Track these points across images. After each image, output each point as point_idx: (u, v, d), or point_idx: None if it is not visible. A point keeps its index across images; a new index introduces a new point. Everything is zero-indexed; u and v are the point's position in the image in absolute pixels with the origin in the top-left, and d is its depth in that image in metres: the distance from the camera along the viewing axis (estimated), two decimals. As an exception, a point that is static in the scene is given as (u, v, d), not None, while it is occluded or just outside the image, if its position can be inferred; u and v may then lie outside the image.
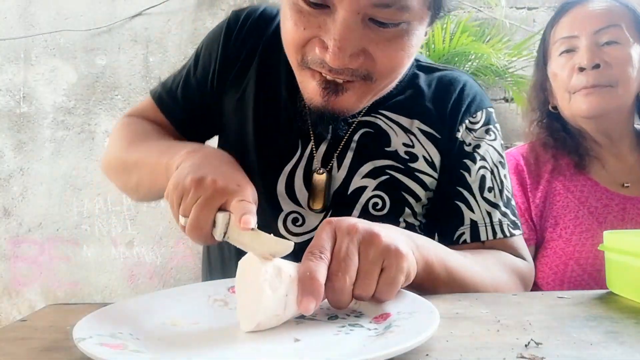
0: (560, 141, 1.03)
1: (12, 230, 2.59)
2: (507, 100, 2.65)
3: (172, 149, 0.68)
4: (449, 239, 0.74)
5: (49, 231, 2.57)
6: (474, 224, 0.73)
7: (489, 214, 0.73)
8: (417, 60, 0.79)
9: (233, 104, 0.78)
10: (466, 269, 0.64)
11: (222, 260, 0.80)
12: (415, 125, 0.75)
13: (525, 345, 0.41)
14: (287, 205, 0.74)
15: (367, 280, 0.48)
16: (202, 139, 0.84)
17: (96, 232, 2.55)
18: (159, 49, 2.61)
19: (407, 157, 0.74)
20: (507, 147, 3.16)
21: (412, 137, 0.74)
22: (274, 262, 0.47)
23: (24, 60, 2.62)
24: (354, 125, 0.75)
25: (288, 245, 0.49)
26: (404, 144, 0.74)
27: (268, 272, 0.46)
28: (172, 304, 0.53)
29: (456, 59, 2.22)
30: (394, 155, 0.74)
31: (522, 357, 0.38)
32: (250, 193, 0.58)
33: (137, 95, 2.61)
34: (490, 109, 0.79)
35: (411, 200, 0.74)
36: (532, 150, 1.06)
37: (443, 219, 0.76)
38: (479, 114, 0.77)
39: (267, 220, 0.73)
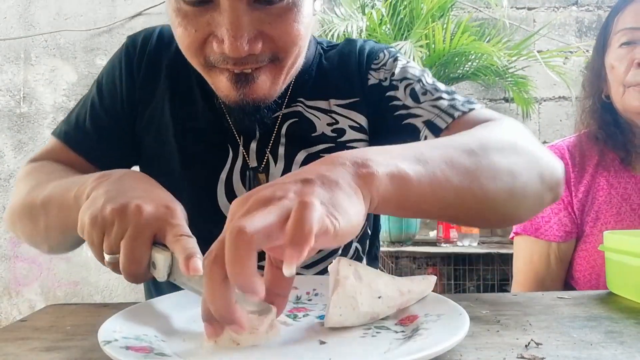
0: (610, 136, 1.00)
1: (12, 230, 2.59)
2: (507, 100, 2.65)
3: (80, 179, 0.60)
4: None
5: (49, 231, 2.57)
6: (428, 123, 0.68)
7: (436, 106, 0.69)
8: (319, 44, 0.81)
9: (148, 128, 0.76)
10: (455, 147, 0.50)
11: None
12: (333, 103, 0.75)
13: (525, 346, 0.41)
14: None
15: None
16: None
17: (96, 232, 2.55)
18: (159, 49, 2.61)
19: (334, 134, 0.74)
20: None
21: (334, 115, 0.75)
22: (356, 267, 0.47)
23: (24, 60, 2.62)
24: (279, 118, 0.75)
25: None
26: (328, 124, 0.74)
27: (350, 273, 0.46)
28: (194, 304, 0.53)
29: (456, 59, 2.23)
30: (323, 138, 0.74)
31: (522, 357, 0.38)
32: (180, 213, 0.52)
33: (137, 95, 2.61)
34: (391, 49, 0.78)
35: None
36: (579, 144, 1.04)
37: (402, 141, 0.67)
38: (380, 55, 0.77)
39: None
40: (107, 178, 0.56)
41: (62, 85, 2.61)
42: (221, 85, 0.64)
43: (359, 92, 0.75)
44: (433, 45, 2.14)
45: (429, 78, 0.74)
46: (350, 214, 0.39)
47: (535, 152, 0.57)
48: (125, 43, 0.78)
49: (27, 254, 2.58)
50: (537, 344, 0.41)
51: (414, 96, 0.71)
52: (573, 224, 0.99)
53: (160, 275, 0.49)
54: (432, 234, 2.51)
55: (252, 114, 0.67)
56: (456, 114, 0.66)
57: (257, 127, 0.73)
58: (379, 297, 0.46)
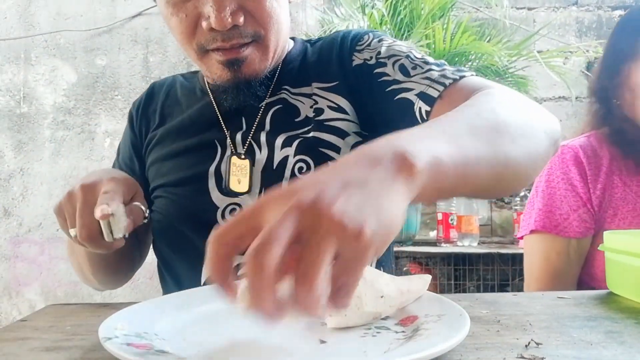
0: (623, 141, 1.00)
1: (12, 230, 2.59)
2: (507, 100, 2.65)
3: None
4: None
5: (49, 231, 2.57)
6: (421, 94, 0.67)
7: (427, 77, 0.69)
8: (308, 42, 0.88)
9: (151, 156, 0.86)
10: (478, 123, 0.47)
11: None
12: (315, 86, 0.79)
13: (525, 346, 0.41)
14: (222, 202, 0.76)
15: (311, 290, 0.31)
16: None
17: (96, 232, 2.55)
18: (159, 49, 2.61)
19: (314, 114, 0.76)
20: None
21: (315, 97, 0.78)
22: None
23: (24, 60, 2.62)
24: (264, 107, 0.79)
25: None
26: (310, 107, 0.77)
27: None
28: (195, 303, 0.53)
29: (456, 59, 2.22)
30: (305, 121, 0.76)
31: (522, 357, 0.38)
32: (108, 182, 0.61)
33: (137, 95, 2.60)
34: (375, 32, 0.80)
35: (332, 153, 0.74)
36: (589, 144, 1.04)
37: (397, 117, 0.70)
38: (365, 37, 0.79)
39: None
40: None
41: (62, 85, 2.61)
42: (214, 67, 0.73)
43: (339, 75, 0.77)
44: (433, 45, 2.14)
45: (417, 53, 0.74)
46: (385, 218, 0.34)
47: (537, 111, 0.57)
48: (129, 109, 0.93)
49: (27, 254, 2.58)
50: (537, 344, 0.41)
51: (404, 71, 0.71)
52: (592, 220, 0.99)
53: (106, 235, 0.59)
54: (432, 234, 2.50)
55: (245, 89, 0.75)
56: (447, 82, 0.66)
57: (244, 118, 0.79)
58: (382, 297, 0.47)
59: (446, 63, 0.72)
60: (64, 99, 2.61)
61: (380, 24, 2.24)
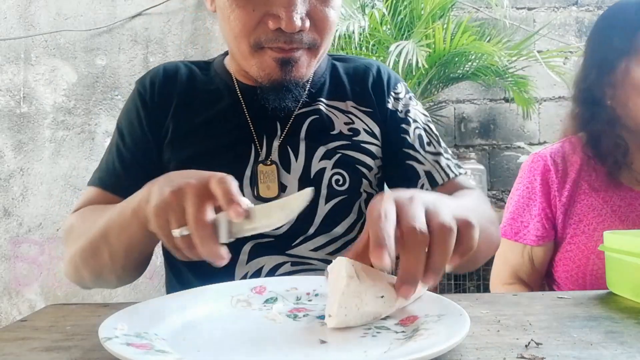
0: (600, 150, 1.00)
1: (12, 230, 2.59)
2: (507, 100, 2.65)
3: (129, 199, 0.64)
4: None
5: (49, 231, 2.57)
6: (428, 174, 0.81)
7: (437, 161, 0.82)
8: (330, 55, 0.92)
9: (172, 152, 0.81)
10: (474, 208, 0.68)
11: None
12: (350, 104, 0.84)
13: (525, 346, 0.41)
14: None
15: (445, 255, 0.45)
16: None
17: (96, 232, 2.55)
18: (159, 49, 2.61)
19: (350, 133, 0.82)
20: (507, 147, 3.13)
21: (350, 116, 0.84)
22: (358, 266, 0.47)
23: (24, 60, 2.62)
24: (298, 117, 0.81)
25: (304, 195, 0.49)
26: (345, 123, 0.83)
27: (354, 272, 0.46)
28: (195, 304, 0.53)
29: (456, 59, 2.23)
30: (340, 136, 0.82)
31: (522, 357, 0.38)
32: (226, 177, 0.55)
33: (137, 95, 2.61)
34: (405, 83, 0.91)
35: (365, 171, 0.82)
36: (560, 151, 1.04)
37: (401, 181, 0.83)
38: (399, 86, 0.88)
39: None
40: (157, 179, 0.60)
41: (62, 85, 2.61)
42: (266, 65, 0.73)
43: (374, 105, 0.85)
44: (433, 46, 2.14)
45: (432, 126, 0.87)
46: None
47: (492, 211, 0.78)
48: (136, 87, 0.86)
49: (27, 254, 2.58)
50: (537, 344, 0.41)
51: (421, 142, 0.83)
52: (551, 229, 1.03)
53: (223, 235, 0.52)
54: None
55: (293, 89, 0.76)
56: (451, 175, 0.82)
57: (279, 123, 0.81)
58: (382, 297, 0.47)
59: (449, 150, 0.87)
60: (64, 99, 2.61)
61: (381, 23, 2.24)
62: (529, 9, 2.72)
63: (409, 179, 0.81)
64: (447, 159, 0.84)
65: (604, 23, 1.05)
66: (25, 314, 0.67)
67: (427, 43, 2.12)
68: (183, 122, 0.82)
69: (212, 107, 0.82)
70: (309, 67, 0.76)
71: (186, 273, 0.80)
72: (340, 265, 0.47)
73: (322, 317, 0.49)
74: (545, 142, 2.64)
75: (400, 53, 1.98)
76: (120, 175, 0.81)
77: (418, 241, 0.44)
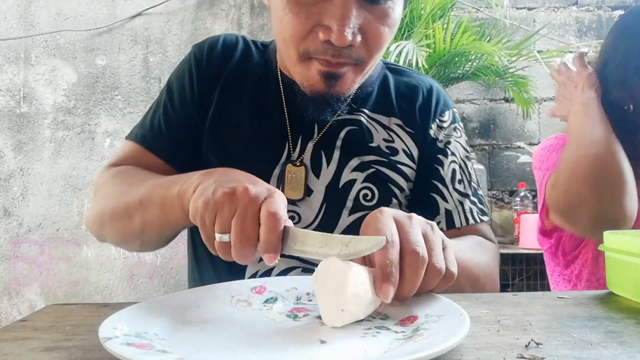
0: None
1: (12, 230, 2.59)
2: (507, 100, 2.65)
3: (179, 179, 0.65)
4: None
5: (49, 231, 2.57)
6: (448, 213, 0.79)
7: (461, 203, 0.80)
8: (385, 63, 0.89)
9: (213, 129, 0.81)
10: (468, 254, 0.68)
11: (211, 259, 0.79)
12: (393, 122, 0.82)
13: (526, 346, 0.41)
14: None
15: (437, 272, 0.50)
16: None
17: (96, 232, 2.55)
18: (159, 49, 2.61)
19: (388, 151, 0.81)
20: (507, 147, 3.12)
21: (391, 133, 0.82)
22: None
23: (24, 60, 2.62)
24: (335, 123, 0.80)
25: (376, 242, 0.47)
26: (385, 140, 0.81)
27: (352, 270, 0.46)
28: (195, 304, 0.53)
29: (456, 59, 2.22)
30: (377, 150, 0.80)
31: (522, 357, 0.38)
32: (279, 196, 0.55)
33: (137, 95, 2.61)
34: (455, 110, 0.87)
35: (396, 191, 0.80)
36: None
37: (420, 210, 0.77)
38: (446, 113, 0.85)
39: None
40: (212, 172, 0.61)
41: (62, 85, 2.61)
42: (311, 75, 0.71)
43: (417, 128, 0.83)
44: (433, 46, 2.14)
45: (469, 164, 0.85)
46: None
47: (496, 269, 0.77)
48: (192, 51, 0.85)
49: (27, 254, 2.58)
50: (537, 344, 0.41)
51: (452, 178, 0.81)
52: None
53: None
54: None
55: (334, 104, 0.74)
56: (471, 221, 0.79)
57: (317, 126, 0.79)
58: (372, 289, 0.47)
59: (481, 194, 0.84)
60: (64, 99, 2.61)
61: (380, 24, 2.23)
62: (529, 9, 2.72)
63: (427, 212, 0.77)
64: (473, 202, 0.81)
65: (632, 23, 1.01)
66: (25, 314, 0.67)
67: (427, 43, 2.12)
68: (227, 100, 0.81)
69: (256, 94, 0.81)
70: (353, 84, 0.74)
71: (205, 258, 0.81)
72: (338, 264, 0.47)
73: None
74: (545, 142, 2.63)
75: (400, 53, 1.98)
76: (165, 137, 0.81)
77: (419, 268, 0.47)
